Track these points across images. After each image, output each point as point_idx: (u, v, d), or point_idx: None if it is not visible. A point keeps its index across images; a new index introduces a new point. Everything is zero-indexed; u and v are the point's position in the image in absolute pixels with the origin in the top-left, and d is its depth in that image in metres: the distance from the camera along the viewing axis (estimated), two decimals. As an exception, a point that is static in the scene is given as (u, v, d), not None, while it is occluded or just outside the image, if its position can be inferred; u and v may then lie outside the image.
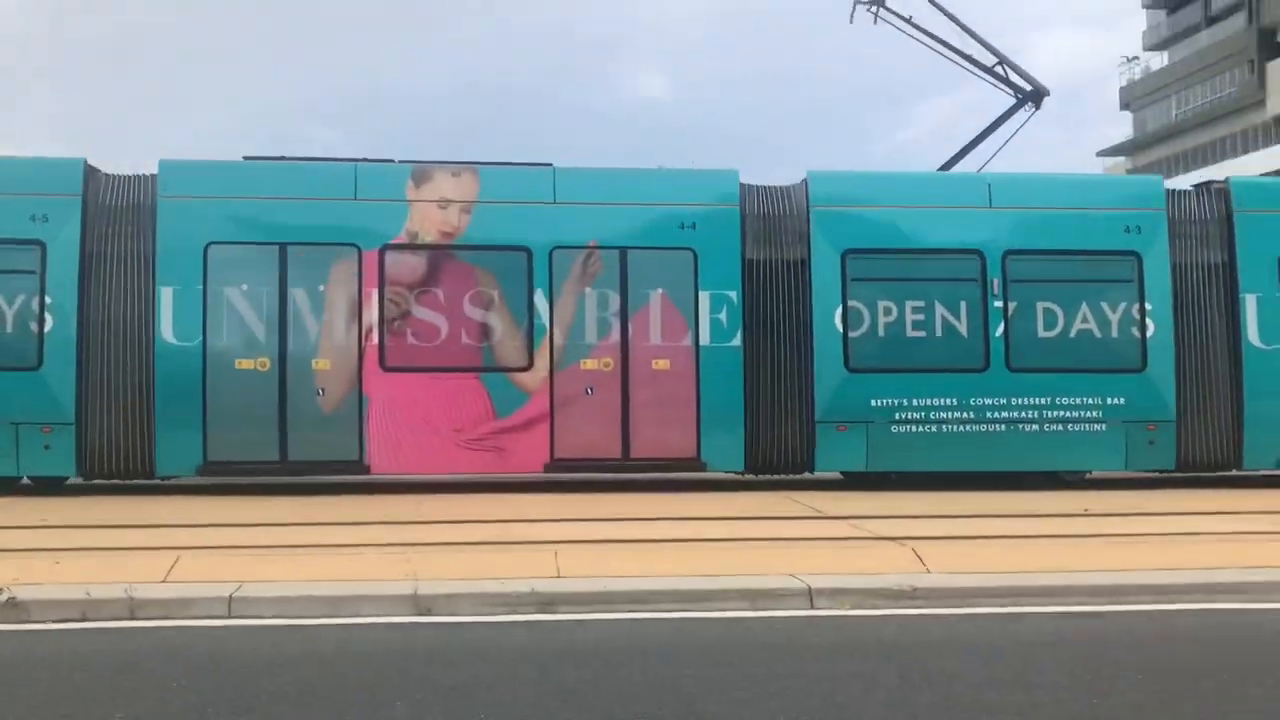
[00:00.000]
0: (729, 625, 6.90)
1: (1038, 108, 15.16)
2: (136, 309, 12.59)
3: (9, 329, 12.53)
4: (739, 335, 13.06)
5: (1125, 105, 77.02)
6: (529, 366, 12.98)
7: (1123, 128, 78.02)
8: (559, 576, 7.60)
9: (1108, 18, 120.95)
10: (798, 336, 13.18)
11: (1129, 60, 76.21)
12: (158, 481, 13.06)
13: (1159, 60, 74.53)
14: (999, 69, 15.26)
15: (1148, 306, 13.33)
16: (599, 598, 7.27)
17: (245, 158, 13.58)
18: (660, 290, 13.10)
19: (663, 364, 13.06)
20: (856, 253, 13.32)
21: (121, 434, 12.53)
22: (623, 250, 13.13)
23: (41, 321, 12.46)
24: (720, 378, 13.02)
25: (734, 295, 13.05)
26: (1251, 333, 13.34)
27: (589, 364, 13.06)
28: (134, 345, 12.57)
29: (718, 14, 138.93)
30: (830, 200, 13.49)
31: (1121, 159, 75.50)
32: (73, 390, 12.43)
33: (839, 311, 13.15)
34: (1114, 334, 13.42)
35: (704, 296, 13.04)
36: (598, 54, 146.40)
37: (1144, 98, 75.13)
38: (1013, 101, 15.25)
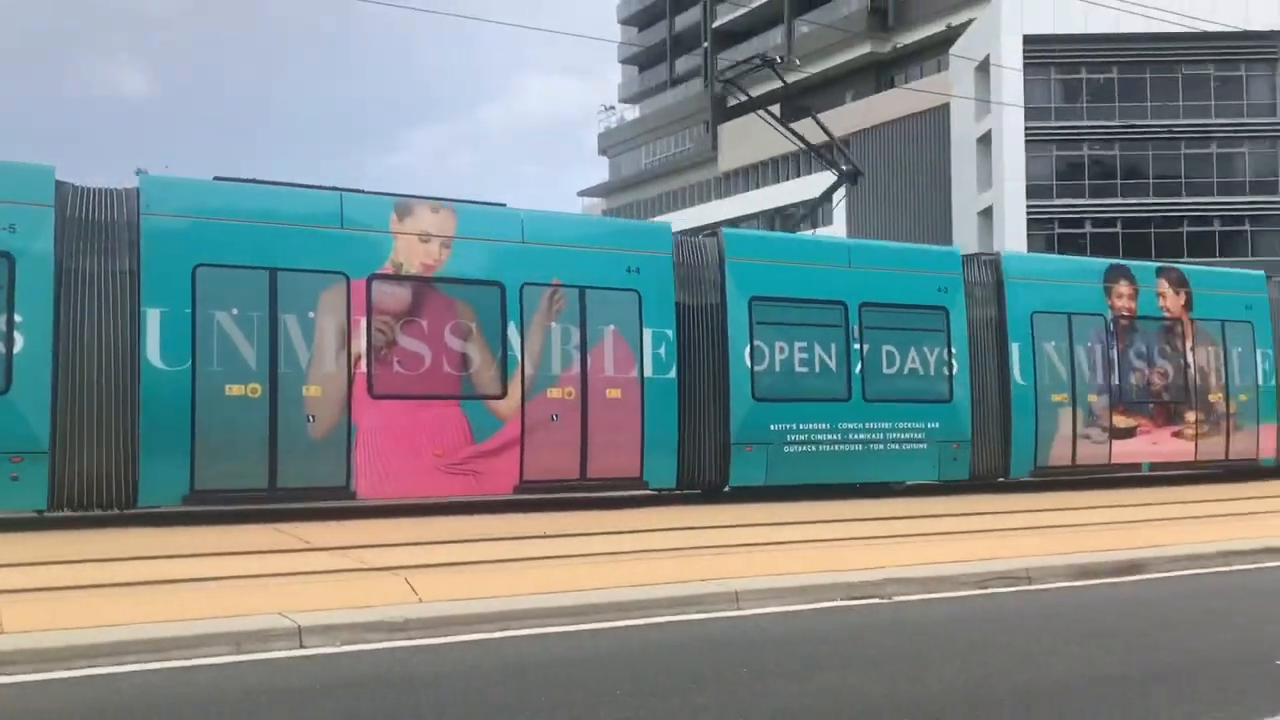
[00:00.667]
0: (214, 673, 6.78)
1: (854, 184, 19.06)
2: (119, 330, 12.15)
3: (930, 372, 13.95)
4: (674, 368, 15.22)
5: (603, 151, 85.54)
6: (503, 395, 14.15)
7: (600, 171, 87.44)
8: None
9: (591, 68, 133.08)
10: (717, 370, 15.63)
11: (607, 109, 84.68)
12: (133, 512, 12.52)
13: (632, 112, 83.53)
14: (829, 153, 18.94)
15: (952, 350, 17.26)
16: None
17: (216, 178, 13.29)
18: (612, 327, 14.91)
19: (615, 393, 14.82)
20: (760, 300, 16.02)
21: (101, 462, 12.01)
22: (581, 289, 14.81)
23: (10, 341, 11.62)
24: (661, 405, 15.14)
25: (670, 333, 15.24)
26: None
27: (554, 393, 14.48)
28: (117, 368, 12.11)
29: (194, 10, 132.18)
30: (740, 254, 16.11)
31: (599, 199, 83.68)
32: (47, 416, 11.74)
33: (747, 349, 15.81)
34: (931, 371, 17.22)
35: (647, 333, 15.08)
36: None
37: (618, 145, 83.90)
38: (836, 178, 19.06)
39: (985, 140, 47.68)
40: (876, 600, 9.61)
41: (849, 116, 59.23)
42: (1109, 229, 45.21)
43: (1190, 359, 19.32)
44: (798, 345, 16.25)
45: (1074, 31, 44.11)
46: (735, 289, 15.88)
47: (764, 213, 63.55)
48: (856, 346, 16.60)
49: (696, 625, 8.62)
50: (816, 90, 61.70)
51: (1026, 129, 45.02)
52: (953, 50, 49.57)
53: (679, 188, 74.42)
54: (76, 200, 12.22)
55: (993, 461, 17.76)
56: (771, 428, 15.97)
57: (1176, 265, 21.62)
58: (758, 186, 66.69)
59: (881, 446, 16.75)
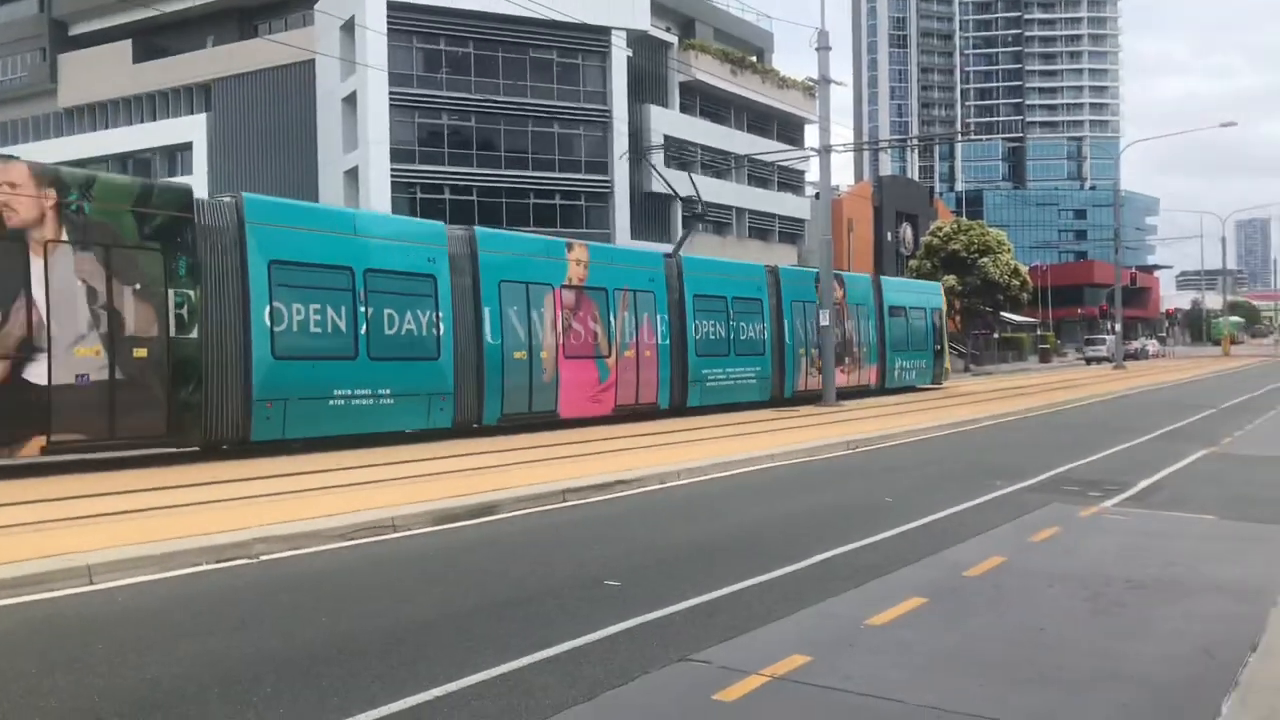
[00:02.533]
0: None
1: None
2: (470, 321, 20.10)
3: (422, 332, 19.00)
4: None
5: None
6: (610, 354, 23.47)
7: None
8: None
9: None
10: (239, 330, 16.69)
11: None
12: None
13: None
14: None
15: (439, 314, 19.49)
16: None
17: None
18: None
19: (630, 353, 24.09)
20: (279, 264, 16.98)
21: (472, 399, 20.20)
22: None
23: (437, 328, 19.35)
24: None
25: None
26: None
27: (628, 353, 23.92)
28: (475, 344, 20.14)
29: None
30: (260, 219, 17.06)
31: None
32: (451, 373, 19.63)
33: (267, 310, 16.79)
34: (423, 332, 19.22)
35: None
36: None
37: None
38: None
39: (351, 101, 47.99)
40: (244, 561, 9.45)
41: (210, 62, 56.23)
42: (467, 196, 47.94)
43: (612, 319, 23.63)
44: (312, 308, 17.36)
45: (435, 4, 45.90)
46: (256, 253, 16.66)
47: (114, 156, 58.24)
48: (362, 309, 18.11)
49: (45, 605, 7.87)
50: (175, 30, 57.70)
51: (391, 94, 46.06)
52: (317, 6, 49.13)
53: (11, 119, 65.43)
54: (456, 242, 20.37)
55: (470, 411, 20.37)
56: (289, 385, 16.87)
57: (608, 246, 31.18)
58: (107, 127, 60.90)
59: (388, 400, 18.54)
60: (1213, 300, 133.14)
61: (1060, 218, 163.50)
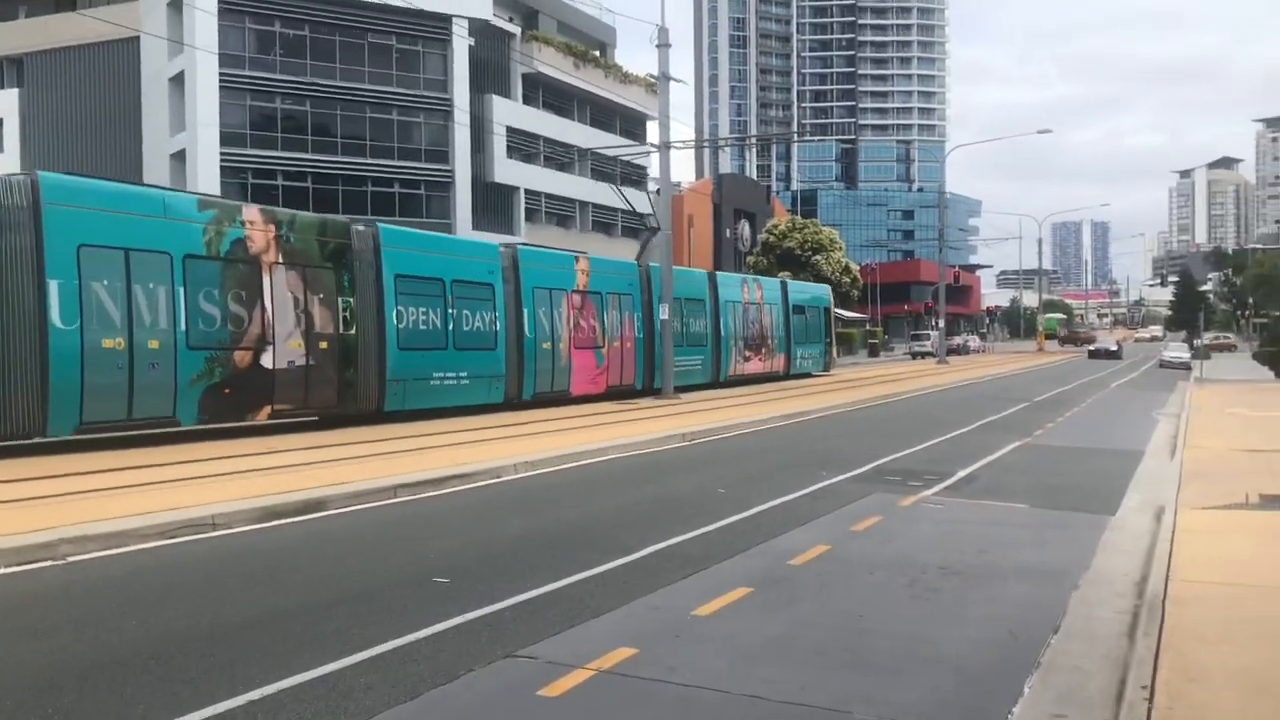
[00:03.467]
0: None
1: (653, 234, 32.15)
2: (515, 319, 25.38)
3: (486, 328, 24.30)
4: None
5: None
6: (604, 345, 28.47)
7: None
8: None
9: None
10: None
11: None
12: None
13: None
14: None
15: (495, 314, 24.68)
16: None
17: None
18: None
19: (617, 344, 29.47)
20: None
21: (518, 380, 25.52)
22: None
23: (495, 325, 24.61)
24: None
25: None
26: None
27: (615, 344, 29.02)
28: (514, 338, 25.52)
29: None
30: (60, 200, 16.05)
31: None
32: (503, 359, 24.86)
33: (395, 312, 22.19)
34: (486, 328, 24.40)
35: None
36: None
37: None
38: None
39: (179, 81, 45.95)
40: (49, 563, 8.93)
41: (23, 34, 52.91)
42: (301, 183, 46.52)
43: (605, 316, 28.67)
44: (420, 310, 22.51)
45: (270, -17, 44.37)
46: (387, 270, 21.49)
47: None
48: (450, 311, 23.28)
49: None
50: (-18, -2, 54.08)
51: (221, 75, 44.29)
52: (143, -19, 46.85)
53: None
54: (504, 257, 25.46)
55: (514, 389, 25.59)
56: (408, 369, 22.02)
57: (601, 257, 32.82)
58: None
59: (465, 381, 23.88)
60: (1030, 298, 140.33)
61: (890, 218, 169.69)
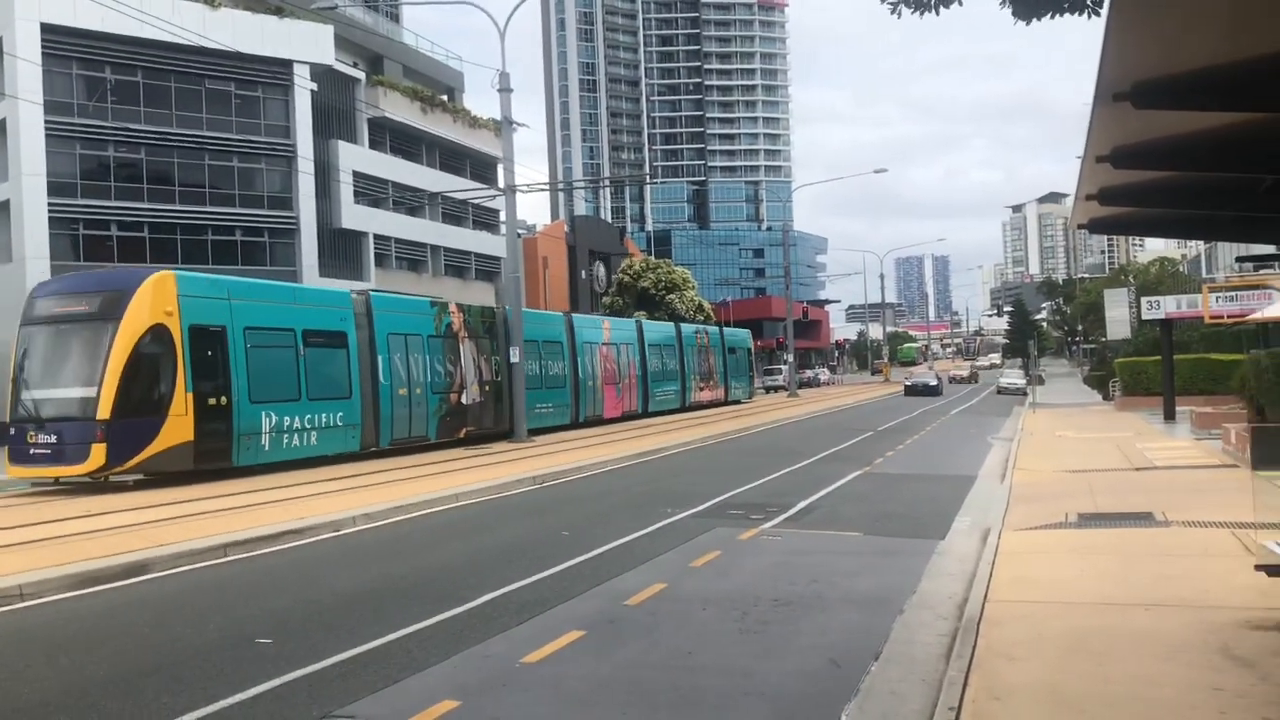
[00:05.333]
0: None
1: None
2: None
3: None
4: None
5: None
6: (623, 381, 41.23)
7: None
8: None
9: None
10: None
11: None
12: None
13: None
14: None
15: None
16: None
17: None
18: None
19: (475, 386, 29.78)
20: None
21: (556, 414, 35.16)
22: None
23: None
24: None
25: None
26: None
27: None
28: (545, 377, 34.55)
29: None
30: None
31: None
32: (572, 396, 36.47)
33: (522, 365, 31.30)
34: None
35: None
36: None
37: None
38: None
39: (0, 129, 43.82)
40: None
41: None
42: (137, 233, 44.79)
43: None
44: (538, 364, 33.63)
45: (98, 29, 42.82)
46: (514, 337, 30.15)
47: None
48: (568, 361, 36.04)
49: None
50: None
51: (48, 122, 42.44)
52: (-42, 24, 44.62)
53: None
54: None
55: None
56: (532, 406, 31.85)
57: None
58: None
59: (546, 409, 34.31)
60: (876, 331, 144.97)
61: (741, 256, 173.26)
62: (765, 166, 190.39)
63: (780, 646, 7.90)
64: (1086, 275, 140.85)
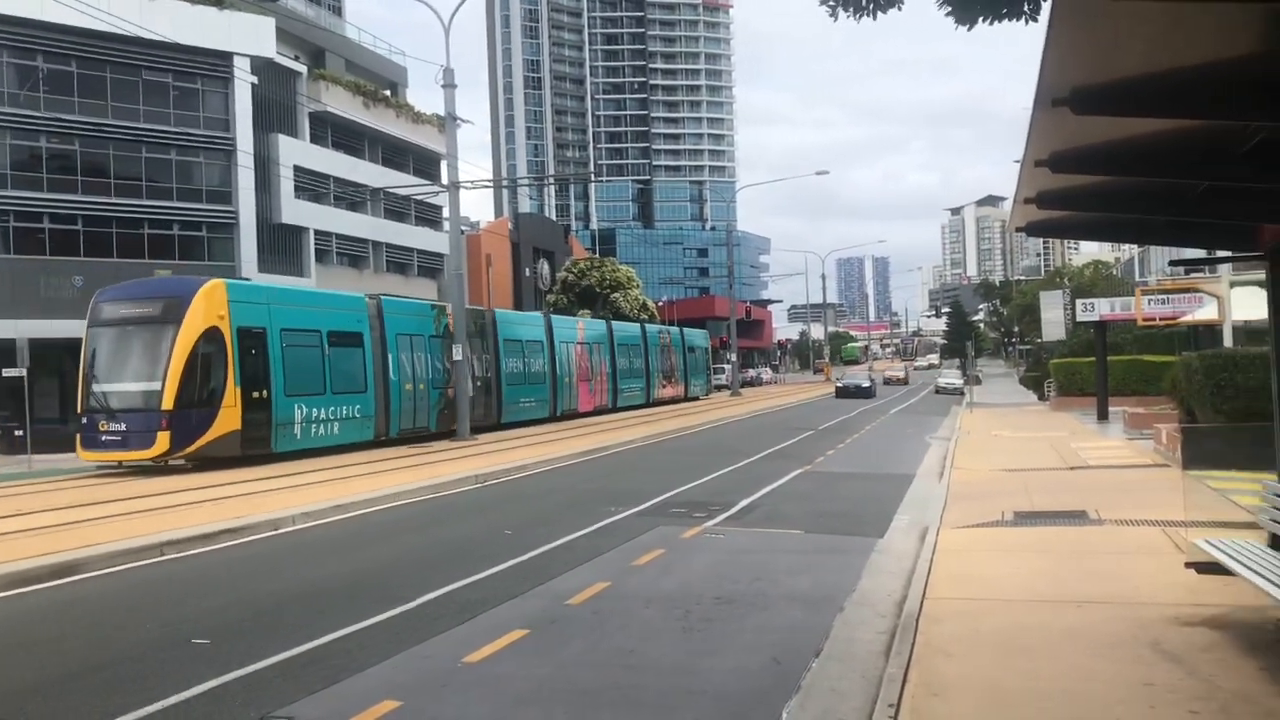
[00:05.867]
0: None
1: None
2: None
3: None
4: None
5: None
6: (595, 378, 44.88)
7: None
8: None
9: None
10: None
11: None
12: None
13: None
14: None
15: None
16: None
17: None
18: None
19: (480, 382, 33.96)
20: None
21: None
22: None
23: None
24: None
25: None
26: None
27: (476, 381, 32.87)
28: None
29: None
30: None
31: None
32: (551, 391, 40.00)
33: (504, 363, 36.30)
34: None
35: None
36: None
37: None
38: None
39: (-75, 117, 42.59)
40: None
41: None
42: (70, 226, 43.80)
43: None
44: (519, 360, 36.70)
45: (30, 16, 41.81)
46: (501, 337, 35.84)
47: None
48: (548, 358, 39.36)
49: None
50: None
51: (-24, 111, 41.38)
52: (-118, 9, 43.27)
53: None
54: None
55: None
56: (512, 399, 36.14)
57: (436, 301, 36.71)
58: None
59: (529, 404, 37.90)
60: (818, 331, 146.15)
61: (685, 255, 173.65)
62: (709, 166, 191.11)
63: (722, 644, 7.93)
64: (1023, 277, 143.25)
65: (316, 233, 53.38)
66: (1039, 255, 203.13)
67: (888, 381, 76.18)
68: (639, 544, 12.21)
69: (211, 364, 21.91)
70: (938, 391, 61.10)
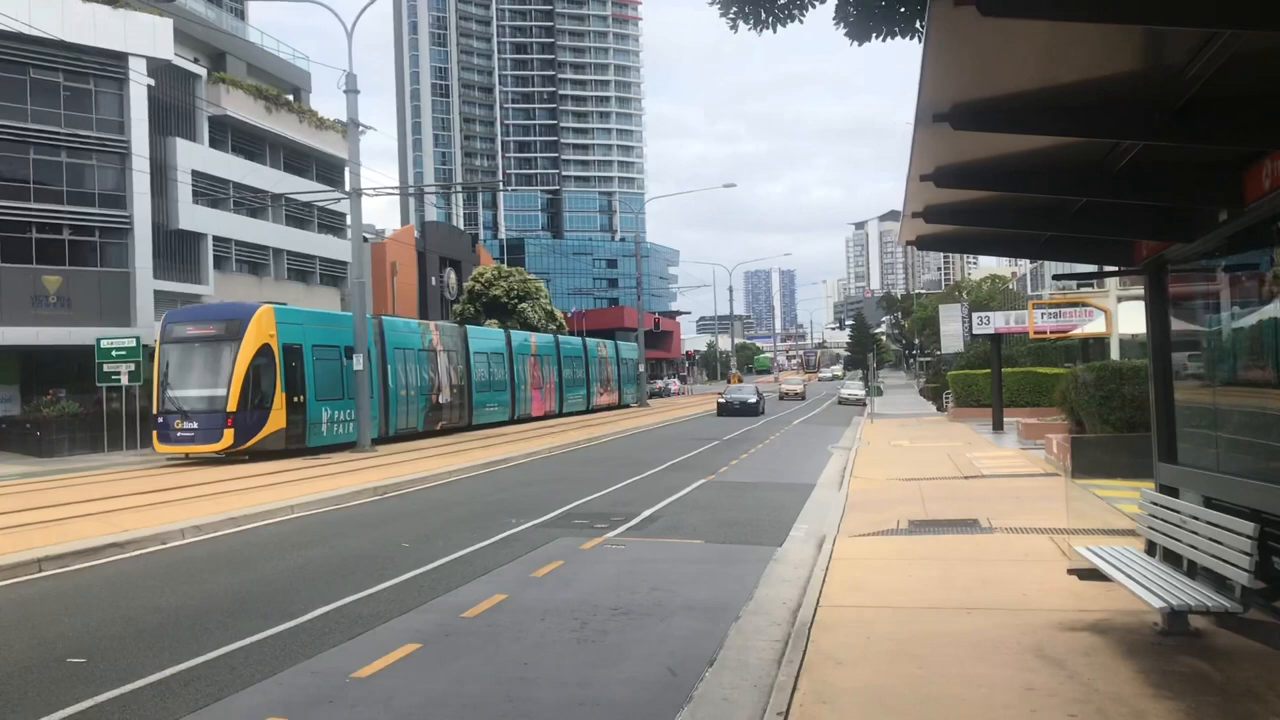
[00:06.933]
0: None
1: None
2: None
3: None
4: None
5: None
6: (545, 385, 50.73)
7: None
8: None
9: None
10: None
11: None
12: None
13: None
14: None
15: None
16: None
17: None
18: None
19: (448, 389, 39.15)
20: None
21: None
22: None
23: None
24: None
25: None
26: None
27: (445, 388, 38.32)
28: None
29: None
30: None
31: None
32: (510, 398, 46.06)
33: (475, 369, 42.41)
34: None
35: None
36: None
37: None
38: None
39: None
40: None
41: None
42: (-49, 229, 42.09)
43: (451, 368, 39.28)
44: (486, 370, 42.25)
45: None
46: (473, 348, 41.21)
47: None
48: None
49: None
50: None
51: None
52: None
53: None
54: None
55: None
56: (482, 401, 41.19)
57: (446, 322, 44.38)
58: None
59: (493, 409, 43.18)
60: (726, 342, 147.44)
61: (595, 266, 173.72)
62: (619, 178, 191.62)
63: (618, 655, 7.90)
64: (924, 291, 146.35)
65: (215, 239, 52.09)
66: (939, 270, 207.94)
67: (783, 397, 68.68)
68: (539, 556, 12.13)
69: (264, 374, 26.52)
70: (841, 402, 62.02)
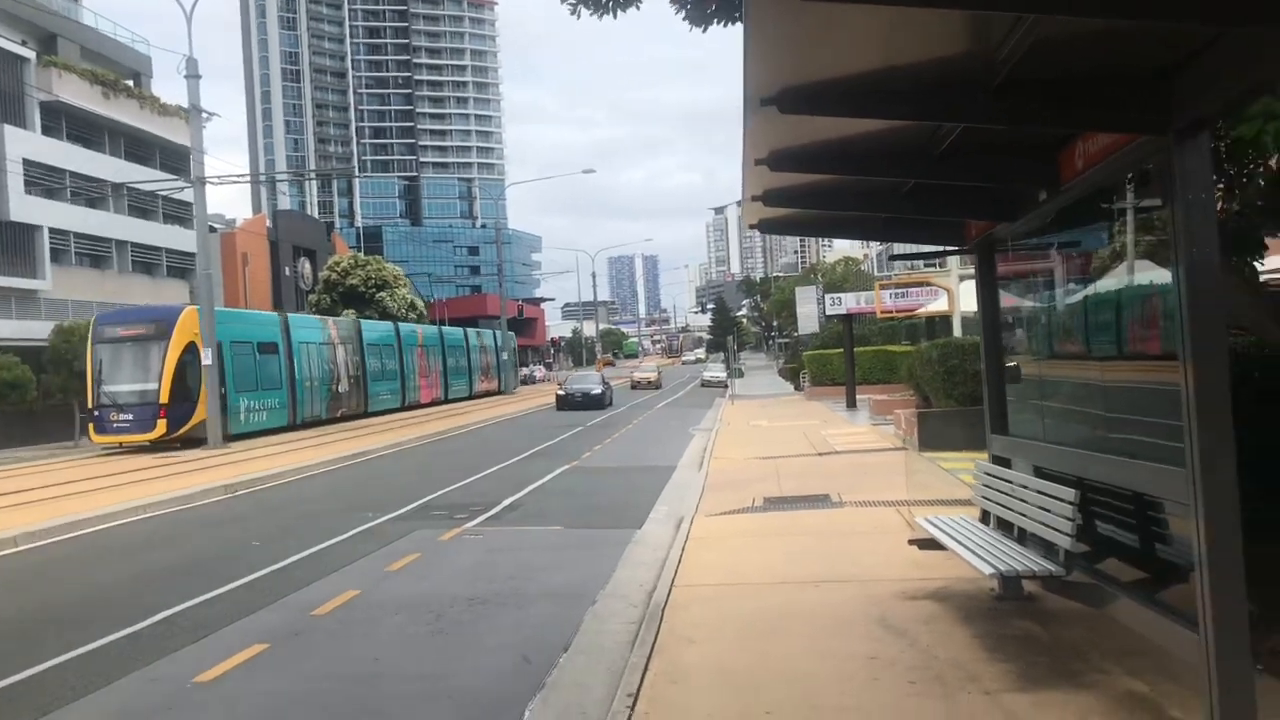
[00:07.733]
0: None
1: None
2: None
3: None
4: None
5: None
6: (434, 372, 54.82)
7: None
8: None
9: None
10: None
11: None
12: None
13: None
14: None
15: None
16: None
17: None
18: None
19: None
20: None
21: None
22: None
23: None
24: None
25: None
26: None
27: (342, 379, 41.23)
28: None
29: None
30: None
31: None
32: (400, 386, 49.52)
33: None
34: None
35: None
36: None
37: None
38: None
39: None
40: None
41: None
42: None
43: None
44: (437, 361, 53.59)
45: None
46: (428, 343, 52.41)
47: None
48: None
49: None
50: None
51: None
52: None
53: None
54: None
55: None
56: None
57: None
58: None
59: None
60: (591, 328, 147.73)
61: (456, 254, 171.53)
62: (478, 164, 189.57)
63: (473, 646, 7.84)
64: (781, 274, 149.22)
65: (52, 231, 49.59)
66: (796, 252, 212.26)
67: (636, 385, 62.75)
68: (394, 549, 11.94)
69: (190, 369, 28.61)
70: (704, 385, 62.81)
